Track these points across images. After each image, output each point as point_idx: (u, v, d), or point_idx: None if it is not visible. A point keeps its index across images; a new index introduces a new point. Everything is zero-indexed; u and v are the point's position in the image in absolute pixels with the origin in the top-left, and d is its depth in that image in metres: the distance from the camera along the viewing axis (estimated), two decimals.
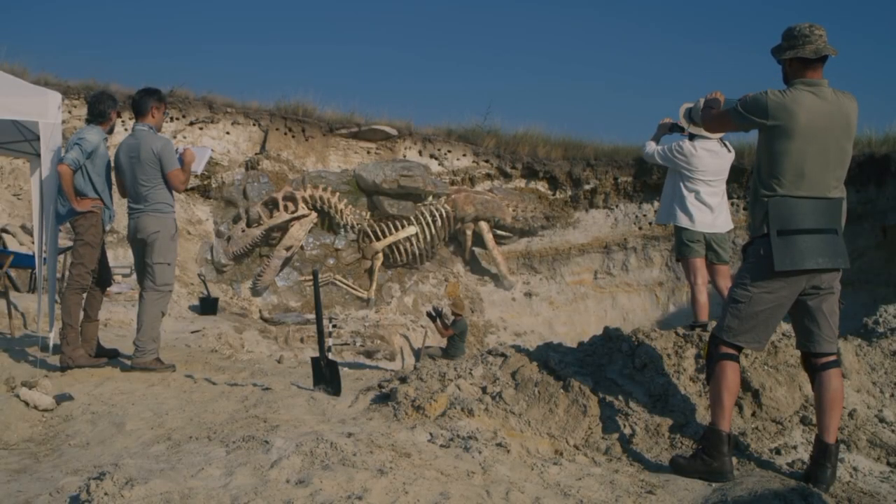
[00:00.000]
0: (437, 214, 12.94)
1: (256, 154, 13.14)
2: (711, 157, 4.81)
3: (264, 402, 4.15)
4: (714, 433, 3.12)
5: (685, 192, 4.86)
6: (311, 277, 12.04)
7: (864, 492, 3.02)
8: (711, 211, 4.81)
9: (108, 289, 5.71)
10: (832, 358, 3.17)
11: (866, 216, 11.53)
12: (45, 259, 5.59)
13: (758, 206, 3.20)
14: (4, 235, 9.59)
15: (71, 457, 3.40)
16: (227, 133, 13.17)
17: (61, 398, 4.32)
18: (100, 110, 5.30)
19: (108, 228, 5.40)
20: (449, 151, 14.30)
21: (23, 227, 9.97)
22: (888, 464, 3.35)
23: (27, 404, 4.14)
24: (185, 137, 12.62)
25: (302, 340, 10.67)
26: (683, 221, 4.83)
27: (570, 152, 14.30)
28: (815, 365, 3.18)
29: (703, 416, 3.61)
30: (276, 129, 13.30)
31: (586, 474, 3.07)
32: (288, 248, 12.00)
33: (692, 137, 4.91)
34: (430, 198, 13.15)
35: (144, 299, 5.18)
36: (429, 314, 10.10)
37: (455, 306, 10.19)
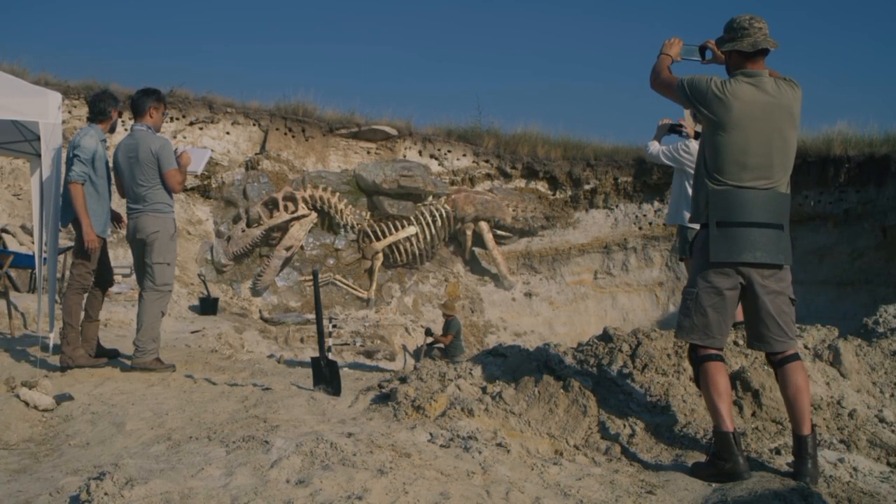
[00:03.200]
0: (437, 214, 12.94)
1: (256, 154, 13.14)
2: None
3: (264, 402, 4.15)
4: (718, 435, 3.10)
5: (690, 191, 4.86)
6: (311, 277, 12.04)
7: (864, 492, 3.02)
8: None
9: (108, 289, 5.70)
10: (790, 352, 3.12)
11: (866, 216, 11.53)
12: (45, 259, 5.59)
13: (700, 196, 3.19)
14: (4, 235, 9.59)
15: (71, 457, 3.39)
16: (227, 133, 13.17)
17: (61, 398, 4.32)
18: (100, 108, 5.30)
19: (108, 231, 5.39)
20: (449, 151, 14.30)
21: (23, 227, 9.97)
22: (888, 464, 3.35)
23: (27, 404, 4.14)
24: (185, 137, 12.62)
25: (302, 340, 10.67)
26: (689, 221, 4.84)
27: (570, 152, 14.31)
28: (773, 361, 3.17)
29: (703, 416, 3.61)
30: (276, 129, 13.30)
31: (586, 474, 3.07)
32: (288, 248, 12.01)
33: (699, 136, 4.93)
34: (430, 198, 13.15)
35: (144, 299, 5.18)
36: (426, 332, 10.21)
37: (446, 307, 10.21)
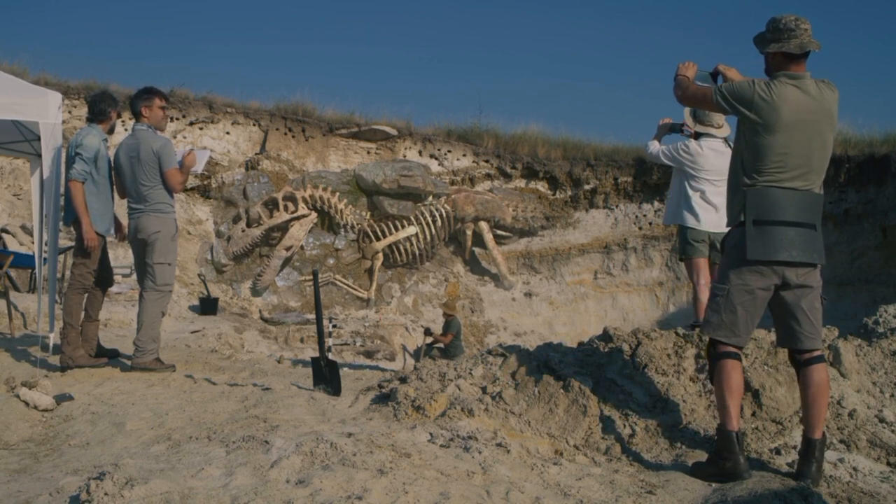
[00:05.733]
0: (437, 214, 12.94)
1: (256, 154, 13.14)
2: (717, 157, 4.82)
3: (264, 402, 4.15)
4: (722, 433, 3.11)
5: (690, 191, 4.87)
6: (311, 277, 12.04)
7: (864, 492, 3.02)
8: (716, 210, 4.82)
9: (108, 289, 5.70)
10: (817, 353, 3.15)
11: (866, 216, 11.52)
12: (45, 259, 5.59)
13: (737, 196, 3.20)
14: (4, 235, 9.59)
15: (71, 457, 3.39)
16: (227, 133, 13.17)
17: (61, 398, 4.32)
18: (100, 109, 5.30)
19: (112, 230, 5.39)
20: (449, 151, 14.30)
21: (23, 227, 9.97)
22: (888, 464, 3.35)
23: (27, 404, 4.14)
24: (185, 137, 12.62)
25: (302, 340, 10.67)
26: (690, 221, 4.86)
27: (570, 152, 14.30)
28: (799, 360, 3.18)
29: (702, 416, 3.61)
30: (276, 129, 13.30)
31: (586, 474, 3.07)
32: (288, 248, 12.01)
33: (699, 136, 4.93)
34: (430, 198, 13.15)
35: (144, 299, 5.18)
36: (425, 331, 10.21)
37: (447, 307, 10.21)
